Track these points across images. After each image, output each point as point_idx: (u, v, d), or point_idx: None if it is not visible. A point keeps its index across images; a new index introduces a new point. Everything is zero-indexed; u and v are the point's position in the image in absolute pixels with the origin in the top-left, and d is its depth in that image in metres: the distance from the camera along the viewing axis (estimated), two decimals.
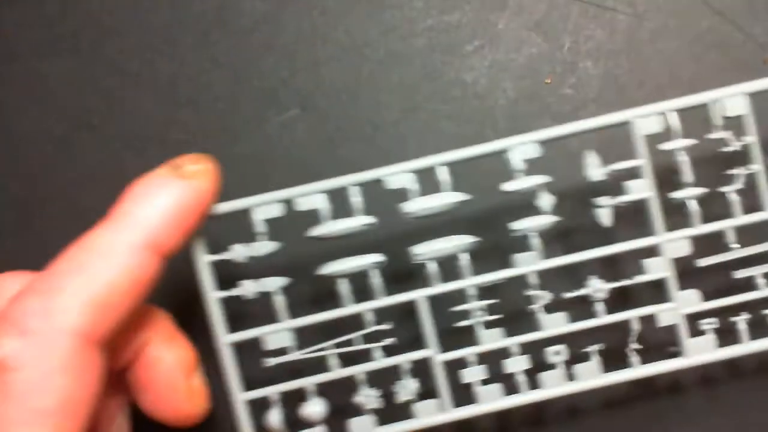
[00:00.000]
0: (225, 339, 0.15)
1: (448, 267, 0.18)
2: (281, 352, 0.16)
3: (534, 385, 0.16)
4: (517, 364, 0.15)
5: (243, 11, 0.22)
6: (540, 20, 0.21)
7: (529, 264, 0.16)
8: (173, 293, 0.18)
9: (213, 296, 0.15)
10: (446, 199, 0.15)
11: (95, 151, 0.22)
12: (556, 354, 0.16)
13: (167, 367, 0.18)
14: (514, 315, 0.19)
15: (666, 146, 0.16)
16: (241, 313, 0.18)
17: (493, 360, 0.18)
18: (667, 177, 0.17)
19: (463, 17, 0.22)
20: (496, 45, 0.21)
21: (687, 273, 0.17)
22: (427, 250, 0.15)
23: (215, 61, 0.22)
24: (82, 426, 0.13)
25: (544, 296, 0.16)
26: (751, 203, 0.16)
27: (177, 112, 0.22)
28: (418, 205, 0.15)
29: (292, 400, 0.19)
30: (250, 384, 0.16)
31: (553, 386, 0.16)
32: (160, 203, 0.17)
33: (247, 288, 0.15)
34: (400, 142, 0.21)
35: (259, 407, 0.16)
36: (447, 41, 0.21)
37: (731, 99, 0.15)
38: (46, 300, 0.15)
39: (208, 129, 0.21)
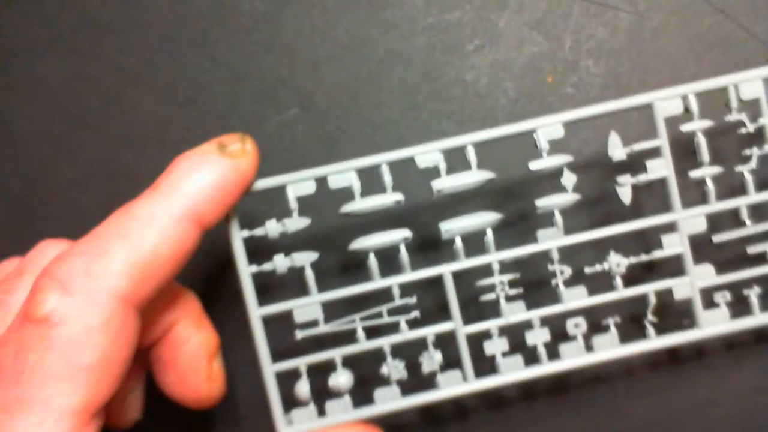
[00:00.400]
0: (257, 312, 0.16)
1: (473, 242, 0.19)
2: (310, 324, 0.16)
3: (554, 356, 0.16)
4: (538, 336, 0.16)
5: (242, 10, 0.22)
6: (541, 19, 0.21)
7: (551, 240, 0.16)
8: (204, 266, 0.18)
9: (246, 270, 0.15)
10: (474, 177, 0.16)
11: (94, 150, 0.22)
12: (576, 326, 0.16)
13: (192, 348, 0.19)
14: (535, 289, 0.20)
15: (686, 127, 0.16)
16: (267, 287, 0.20)
17: (514, 332, 0.19)
18: (684, 156, 0.17)
19: (464, 16, 0.22)
20: (496, 44, 0.22)
21: (703, 248, 0.19)
22: (453, 227, 0.16)
23: (215, 61, 0.22)
24: (115, 384, 0.15)
25: (566, 271, 0.16)
26: (764, 182, 0.18)
27: (176, 111, 0.22)
28: (446, 183, 0.16)
29: (320, 372, 0.20)
30: (278, 356, 0.19)
31: (573, 357, 0.16)
32: (203, 178, 0.17)
33: (279, 263, 0.16)
34: (400, 141, 0.21)
35: (287, 379, 0.19)
36: (447, 40, 0.22)
37: (748, 83, 0.16)
38: (91, 261, 0.15)
39: (208, 128, 0.21)
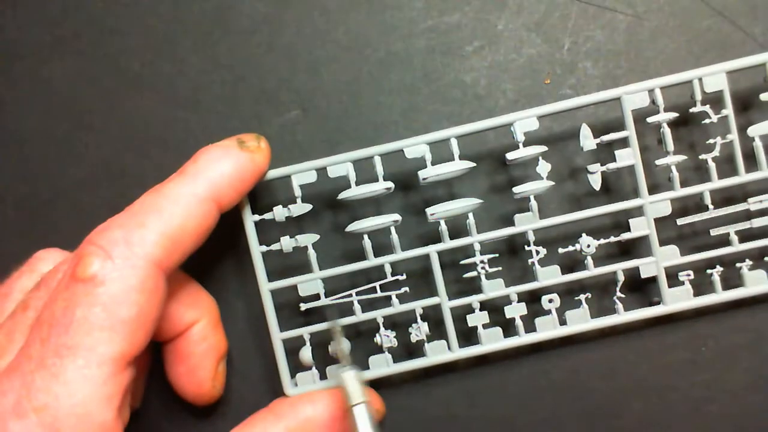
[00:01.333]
0: (267, 287, 0.19)
1: (458, 226, 0.22)
2: (314, 298, 0.19)
3: (530, 328, 0.18)
4: (515, 310, 0.18)
5: (243, 12, 0.22)
6: (540, 21, 0.21)
7: (528, 223, 0.18)
8: (216, 247, 0.21)
9: (258, 249, 0.18)
10: (456, 166, 0.18)
11: (97, 151, 0.22)
12: (550, 302, 0.19)
13: (205, 347, 0.21)
14: (514, 268, 0.22)
15: (652, 119, 0.18)
16: (272, 266, 0.22)
17: (494, 307, 0.22)
18: (651, 146, 0.22)
19: (463, 18, 0.21)
20: (495, 46, 0.22)
21: (669, 231, 0.22)
22: (439, 211, 0.18)
23: (216, 62, 0.22)
24: (146, 338, 0.18)
25: (541, 251, 0.19)
26: (727, 169, 0.21)
27: (178, 112, 0.22)
28: (432, 172, 0.18)
29: (321, 341, 0.22)
30: (284, 326, 0.22)
31: (547, 330, 0.18)
32: (224, 167, 0.19)
33: (285, 243, 0.18)
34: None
35: (292, 346, 0.22)
36: (447, 42, 0.22)
37: (712, 77, 0.20)
38: (129, 232, 0.18)
39: (209, 129, 0.21)
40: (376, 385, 0.22)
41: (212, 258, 0.22)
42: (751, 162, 0.20)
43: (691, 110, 0.20)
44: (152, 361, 0.22)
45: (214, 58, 0.22)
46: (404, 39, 0.21)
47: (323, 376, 0.21)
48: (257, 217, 0.21)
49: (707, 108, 0.20)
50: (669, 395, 0.21)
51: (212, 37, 0.22)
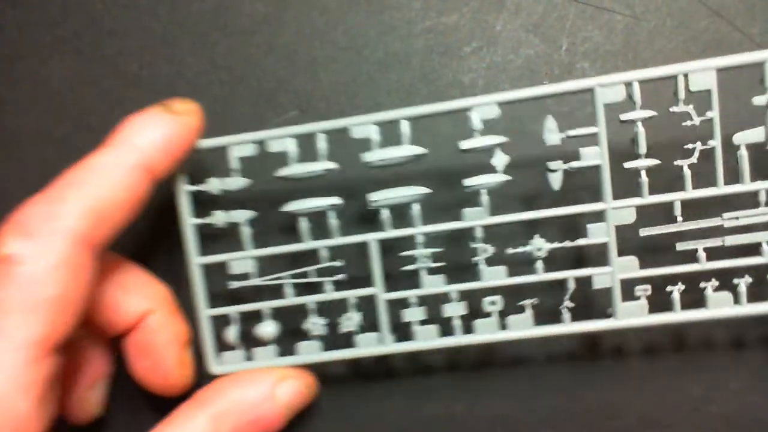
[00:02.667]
0: (196, 260, 0.17)
1: (402, 215, 0.21)
2: (244, 277, 0.18)
3: (469, 330, 0.17)
4: (454, 309, 0.17)
5: (242, 12, 0.22)
6: (537, 21, 0.22)
7: (476, 218, 0.17)
8: (153, 217, 0.20)
9: (189, 222, 0.17)
10: (405, 151, 0.16)
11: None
12: (492, 304, 0.17)
13: (165, 337, 0.20)
14: (458, 265, 0.21)
15: (626, 116, 0.16)
16: (211, 240, 0.22)
17: (433, 303, 0.21)
18: (624, 147, 0.20)
19: (461, 19, 0.22)
20: (493, 46, 0.22)
21: (632, 241, 0.20)
22: (382, 197, 0.17)
23: (214, 63, 0.22)
24: (72, 321, 0.16)
25: (488, 250, 0.17)
26: (705, 179, 0.19)
27: None
28: (378, 155, 0.16)
29: (250, 321, 0.21)
30: (214, 303, 0.21)
31: (486, 333, 0.17)
32: (153, 133, 0.18)
33: (219, 217, 0.17)
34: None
35: (221, 324, 0.21)
36: (445, 43, 0.22)
37: (699, 73, 0.18)
38: (50, 206, 0.17)
39: (208, 130, 0.21)
40: (376, 379, 0.21)
41: (144, 233, 0.22)
42: (733, 173, 0.18)
43: (671, 109, 0.18)
44: (116, 367, 0.21)
45: (212, 59, 0.22)
46: (403, 39, 0.22)
47: (250, 358, 0.20)
48: (192, 188, 0.20)
49: (690, 108, 0.18)
50: (669, 395, 0.21)
51: (211, 37, 0.22)
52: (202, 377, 0.20)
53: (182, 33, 0.22)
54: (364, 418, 0.21)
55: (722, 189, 0.18)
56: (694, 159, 0.18)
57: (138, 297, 0.19)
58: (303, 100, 0.22)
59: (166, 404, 0.20)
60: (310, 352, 0.20)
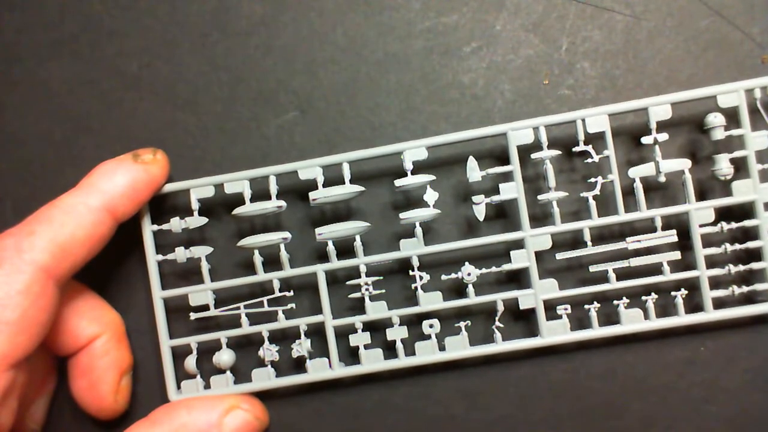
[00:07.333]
0: (159, 294, 0.19)
1: (346, 247, 0.22)
2: (203, 308, 0.20)
3: (411, 352, 0.19)
4: (396, 333, 0.18)
5: (241, 14, 0.21)
6: (537, 21, 0.21)
7: (412, 249, 0.19)
8: (115, 254, 0.22)
9: (153, 258, 0.19)
10: (345, 190, 0.18)
11: (95, 153, 0.22)
12: (431, 326, 0.19)
13: (107, 362, 0.21)
14: (401, 291, 0.22)
15: (535, 155, 0.19)
16: (170, 277, 0.23)
17: (377, 328, 0.22)
18: (537, 182, 0.22)
19: (461, 19, 0.21)
20: (493, 46, 0.21)
21: (552, 264, 0.21)
22: (325, 231, 0.19)
23: (214, 64, 0.22)
24: (31, 343, 0.17)
25: (425, 276, 0.19)
26: (610, 207, 0.22)
27: (176, 114, 0.21)
28: (321, 194, 0.19)
29: (211, 353, 0.22)
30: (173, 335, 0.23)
31: (426, 354, 0.19)
32: (118, 179, 0.20)
33: (180, 254, 0.19)
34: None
35: (181, 355, 0.23)
36: (445, 43, 0.21)
37: (594, 118, 0.18)
38: (19, 239, 0.19)
39: (207, 131, 0.22)
40: (376, 379, 0.22)
41: (111, 267, 0.23)
42: (632, 201, 0.21)
43: (574, 149, 0.21)
44: (57, 386, 0.22)
45: (212, 60, 0.21)
46: (402, 40, 0.21)
47: (208, 386, 0.21)
48: (155, 227, 0.22)
49: (589, 148, 0.21)
50: (669, 395, 0.20)
51: (210, 38, 0.21)
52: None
53: (182, 34, 0.21)
54: (364, 418, 0.20)
55: (623, 216, 0.21)
56: (597, 191, 0.21)
57: (88, 320, 0.21)
58: (303, 101, 0.21)
59: (105, 423, 0.19)
60: (264, 378, 0.21)
